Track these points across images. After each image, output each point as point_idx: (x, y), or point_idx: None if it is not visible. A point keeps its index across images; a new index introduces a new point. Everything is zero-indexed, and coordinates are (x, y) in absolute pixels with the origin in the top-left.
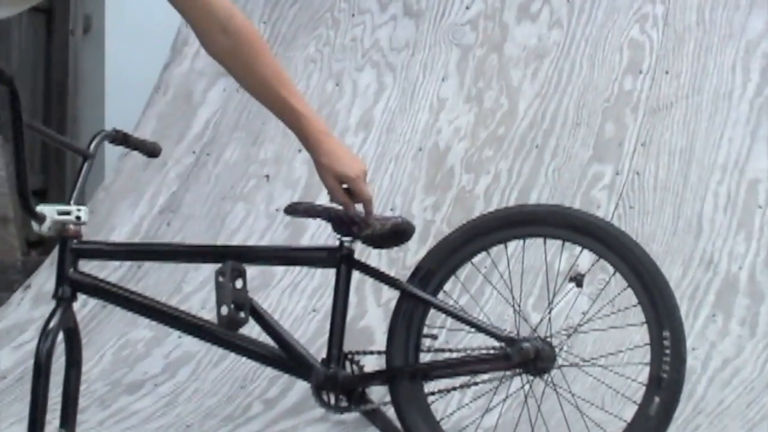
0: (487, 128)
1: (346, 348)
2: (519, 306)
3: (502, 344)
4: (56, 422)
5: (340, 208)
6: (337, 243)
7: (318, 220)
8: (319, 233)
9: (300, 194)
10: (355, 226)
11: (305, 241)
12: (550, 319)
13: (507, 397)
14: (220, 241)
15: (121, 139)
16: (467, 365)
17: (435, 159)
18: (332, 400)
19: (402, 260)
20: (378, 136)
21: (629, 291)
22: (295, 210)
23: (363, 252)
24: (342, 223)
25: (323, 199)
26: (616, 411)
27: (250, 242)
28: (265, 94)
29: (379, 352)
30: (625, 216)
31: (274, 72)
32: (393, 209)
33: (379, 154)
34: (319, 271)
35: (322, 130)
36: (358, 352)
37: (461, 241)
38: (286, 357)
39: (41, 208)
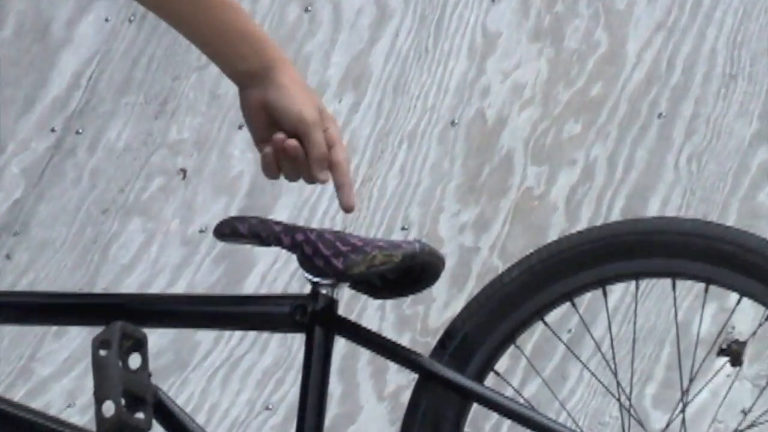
0: (570, 85)
1: None
2: (629, 398)
3: None
4: None
5: (313, 227)
6: (308, 288)
7: (274, 248)
8: (275, 271)
9: (241, 203)
10: (339, 259)
11: (252, 285)
12: (684, 421)
13: None
14: (101, 286)
15: None
16: None
17: (479, 141)
18: None
19: (421, 318)
20: (378, 101)
21: None
22: (233, 231)
23: (353, 303)
24: (316, 252)
25: (282, 211)
26: None
27: (154, 288)
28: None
29: None
30: None
31: None
32: (406, 228)
33: (379, 131)
34: (275, 340)
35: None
36: None
37: (526, 286)
38: None
39: None
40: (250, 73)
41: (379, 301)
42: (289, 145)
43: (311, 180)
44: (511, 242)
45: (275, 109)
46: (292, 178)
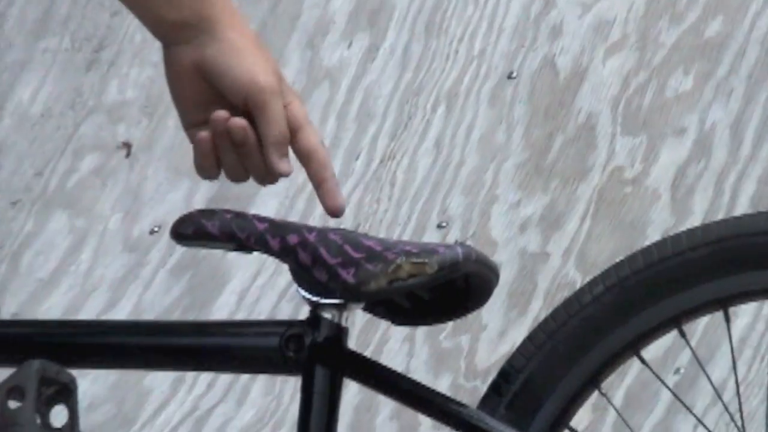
0: (677, 22)
1: None
2: None
3: None
4: None
5: (312, 225)
6: (306, 312)
7: (256, 254)
8: (257, 288)
9: (210, 191)
10: (349, 269)
11: (225, 307)
12: None
13: None
14: (10, 310)
15: None
16: None
17: (547, 101)
18: None
19: (467, 353)
20: (404, 45)
21: None
22: (198, 231)
23: (369, 332)
24: (316, 260)
25: (269, 202)
26: None
27: (87, 312)
28: None
29: None
30: None
31: None
32: (444, 225)
33: (406, 88)
34: (258, 386)
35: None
36: None
37: (616, 307)
38: None
39: None
40: (181, 25)
41: (406, 330)
42: (234, 125)
43: (266, 175)
44: (593, 245)
45: (216, 72)
46: (237, 176)
